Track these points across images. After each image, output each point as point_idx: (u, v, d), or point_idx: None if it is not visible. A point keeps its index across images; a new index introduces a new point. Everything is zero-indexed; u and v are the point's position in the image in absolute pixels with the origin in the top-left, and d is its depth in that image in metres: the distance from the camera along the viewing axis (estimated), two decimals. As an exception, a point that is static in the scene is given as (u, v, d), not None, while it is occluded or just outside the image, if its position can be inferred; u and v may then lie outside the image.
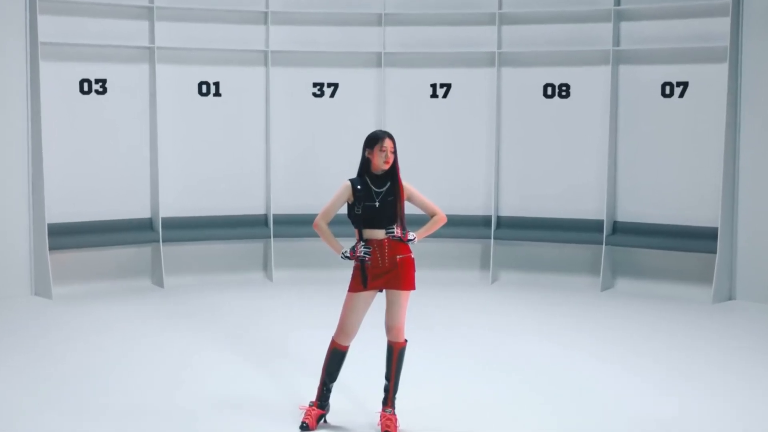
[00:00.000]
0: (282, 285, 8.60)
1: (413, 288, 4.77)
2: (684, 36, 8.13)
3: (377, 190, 4.70)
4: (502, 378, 5.71)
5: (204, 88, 8.65)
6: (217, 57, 8.63)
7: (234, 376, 5.68)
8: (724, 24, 7.85)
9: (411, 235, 4.75)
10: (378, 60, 8.87)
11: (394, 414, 4.77)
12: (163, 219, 8.44)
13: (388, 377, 4.80)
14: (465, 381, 5.64)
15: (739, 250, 7.98)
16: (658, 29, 8.25)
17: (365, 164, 4.74)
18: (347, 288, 4.75)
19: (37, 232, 7.91)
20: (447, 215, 4.92)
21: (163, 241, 8.40)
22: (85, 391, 5.36)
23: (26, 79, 7.82)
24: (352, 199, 4.71)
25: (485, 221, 8.88)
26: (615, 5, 8.33)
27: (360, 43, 8.86)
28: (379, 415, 4.81)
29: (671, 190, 8.32)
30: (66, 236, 8.04)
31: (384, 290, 4.74)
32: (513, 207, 8.88)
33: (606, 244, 8.39)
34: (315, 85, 8.91)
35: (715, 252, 7.88)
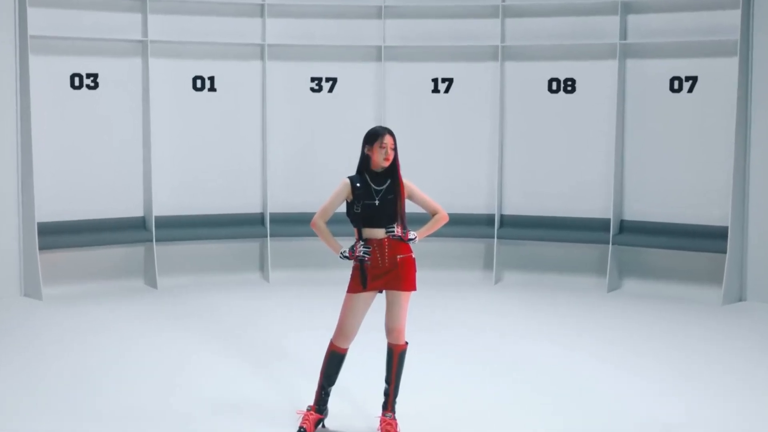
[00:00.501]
0: (279, 286, 8.60)
1: (414, 289, 4.78)
2: (693, 29, 8.14)
3: (377, 188, 4.71)
4: (506, 381, 5.73)
5: (199, 83, 8.66)
6: (212, 51, 8.64)
7: (230, 379, 5.69)
8: (734, 16, 7.86)
9: (412, 235, 4.76)
10: (378, 54, 8.88)
11: (394, 419, 4.78)
12: (156, 218, 8.44)
13: (388, 381, 4.81)
14: (467, 384, 5.65)
15: (750, 249, 7.99)
16: (666, 22, 8.25)
17: (365, 161, 4.74)
18: (346, 289, 4.76)
19: (26, 231, 7.92)
20: (449, 214, 4.93)
21: (156, 241, 8.41)
22: (77, 395, 5.37)
23: (15, 74, 7.82)
24: (351, 197, 4.72)
25: (488, 220, 8.89)
26: (622, -3, 8.36)
27: (359, 36, 8.87)
28: (379, 419, 4.82)
29: (680, 187, 8.32)
30: (56, 235, 8.05)
31: (384, 291, 4.75)
32: (517, 205, 8.89)
33: (612, 244, 8.40)
34: (313, 79, 8.92)
35: (725, 252, 7.89)
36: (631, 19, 8.38)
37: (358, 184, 4.70)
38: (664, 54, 8.28)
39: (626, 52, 8.41)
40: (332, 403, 4.93)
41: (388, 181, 4.72)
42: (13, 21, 7.77)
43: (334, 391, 4.93)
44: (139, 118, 8.44)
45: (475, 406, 5.26)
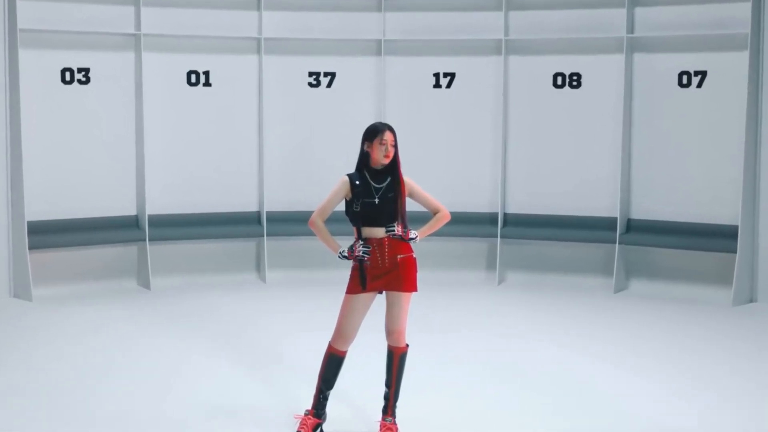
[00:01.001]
0: (276, 286, 8.60)
1: (415, 289, 4.78)
2: (702, 22, 8.13)
3: (377, 185, 4.70)
4: (509, 385, 5.72)
5: (193, 78, 8.66)
6: (207, 44, 8.64)
7: (225, 383, 5.69)
8: (744, 9, 7.85)
9: (412, 234, 4.76)
10: (378, 48, 8.87)
11: (394, 423, 4.79)
12: (149, 216, 8.44)
13: (388, 384, 4.81)
14: (470, 388, 5.64)
15: (761, 249, 7.98)
16: (674, 15, 8.24)
17: (364, 158, 4.74)
18: (345, 290, 4.75)
19: (15, 231, 7.91)
20: (451, 212, 4.94)
21: (149, 240, 8.40)
22: (68, 399, 5.36)
23: (4, 69, 7.81)
24: (350, 195, 4.72)
25: (491, 219, 8.89)
26: (629, -10, 8.36)
27: (358, 29, 8.86)
28: (378, 424, 4.82)
29: (688, 185, 8.32)
30: (46, 235, 8.04)
31: (384, 292, 4.75)
32: (520, 204, 8.89)
33: (619, 243, 8.39)
34: (311, 74, 8.92)
35: (735, 251, 7.88)
36: (639, 12, 8.38)
37: (357, 182, 4.69)
38: (673, 48, 8.28)
39: (633, 46, 8.41)
40: (331, 408, 4.92)
41: (389, 179, 4.72)
42: (3, 14, 7.76)
43: (333, 394, 4.93)
44: (132, 113, 8.44)
45: (478, 410, 5.26)
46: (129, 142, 8.46)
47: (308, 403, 4.93)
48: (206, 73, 8.69)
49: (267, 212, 8.82)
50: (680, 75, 8.26)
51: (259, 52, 8.74)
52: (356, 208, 4.70)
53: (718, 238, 8.05)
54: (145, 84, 8.36)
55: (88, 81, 8.26)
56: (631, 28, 8.37)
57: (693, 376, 5.91)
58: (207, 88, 8.70)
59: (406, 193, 4.77)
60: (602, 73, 8.53)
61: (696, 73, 8.20)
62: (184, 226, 8.61)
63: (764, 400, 5.50)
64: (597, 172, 8.64)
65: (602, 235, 8.48)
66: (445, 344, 6.60)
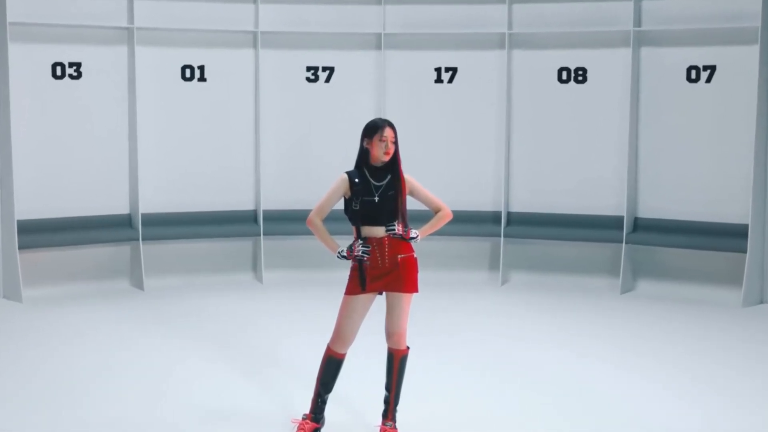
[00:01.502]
0: (273, 287, 8.60)
1: (416, 290, 4.78)
2: (711, 15, 8.12)
3: (376, 183, 4.70)
4: (512, 388, 5.72)
5: (188, 73, 8.65)
6: (201, 38, 8.63)
7: (221, 386, 5.68)
8: (755, 2, 7.84)
9: (413, 233, 4.76)
10: (377, 42, 8.87)
11: (394, 428, 4.79)
12: (143, 215, 8.44)
13: (388, 388, 4.81)
14: (472, 392, 5.64)
15: (772, 249, 8.00)
16: (683, 8, 8.23)
17: (363, 155, 4.74)
18: (344, 290, 4.75)
19: (5, 230, 7.91)
20: (453, 211, 4.93)
21: (142, 240, 8.40)
22: (59, 403, 5.36)
23: (-6, 63, 7.83)
24: (349, 193, 4.71)
25: (494, 218, 8.89)
26: (636, -18, 8.35)
27: (358, 23, 8.86)
28: (378, 429, 4.82)
29: (697, 183, 8.31)
30: (37, 234, 8.04)
31: (384, 293, 4.75)
32: (524, 202, 8.89)
33: (626, 243, 8.39)
34: (309, 69, 8.91)
35: (745, 251, 7.88)
36: (646, 5, 8.37)
37: (356, 180, 4.69)
38: (681, 42, 8.27)
39: (641, 39, 8.40)
40: (329, 412, 4.91)
41: (389, 177, 4.71)
42: (-8, 7, 7.76)
43: (332, 398, 4.92)
44: (125, 109, 8.43)
45: (480, 414, 5.26)
46: (122, 138, 8.46)
47: (306, 407, 4.92)
48: (201, 68, 8.68)
49: (264, 211, 8.82)
50: (689, 70, 8.25)
51: (255, 46, 8.73)
52: (355, 206, 4.69)
53: (728, 237, 8.05)
54: (138, 79, 8.35)
55: (79, 76, 8.26)
56: (638, 21, 8.36)
57: (701, 379, 5.91)
58: (202, 83, 8.70)
59: (407, 191, 4.76)
60: (608, 67, 8.52)
61: (705, 68, 8.20)
62: (179, 225, 8.61)
63: (775, 403, 5.51)
64: (603, 169, 8.63)
65: (608, 235, 8.47)
66: (447, 347, 6.60)
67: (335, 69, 8.92)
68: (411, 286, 4.74)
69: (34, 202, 8.11)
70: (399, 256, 4.71)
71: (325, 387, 4.81)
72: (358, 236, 4.72)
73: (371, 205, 4.68)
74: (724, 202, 8.19)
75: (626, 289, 8.43)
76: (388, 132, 4.67)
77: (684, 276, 8.32)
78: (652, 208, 8.52)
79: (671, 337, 6.96)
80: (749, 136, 7.90)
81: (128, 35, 8.34)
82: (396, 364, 4.77)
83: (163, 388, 5.65)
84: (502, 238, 8.77)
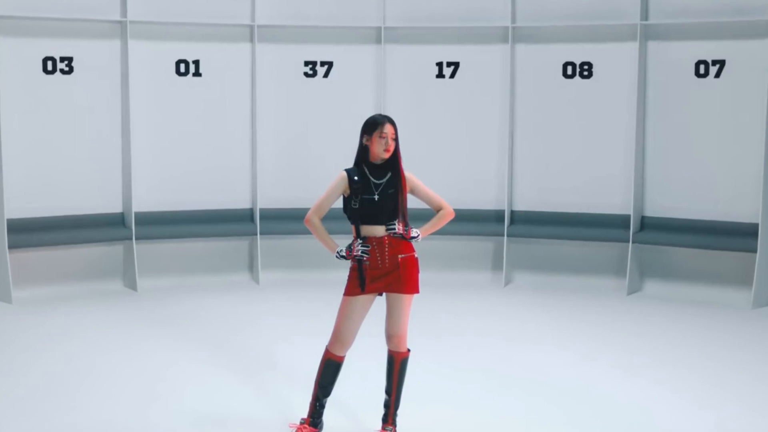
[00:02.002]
0: (270, 288, 8.60)
1: (417, 291, 4.77)
2: (721, 8, 8.11)
3: (376, 181, 4.69)
4: (516, 392, 5.71)
5: (182, 68, 8.64)
6: (197, 32, 8.62)
7: (215, 390, 5.67)
8: (765, -5, 7.85)
9: (414, 232, 4.75)
10: (377, 36, 8.86)
11: (395, 433, 4.78)
12: (136, 214, 8.43)
13: (388, 391, 4.80)
14: (474, 396, 5.63)
15: (783, 248, 7.99)
16: (691, 1, 8.22)
17: (363, 153, 4.73)
18: (343, 291, 4.74)
19: (-5, 229, 7.91)
20: (455, 210, 4.92)
21: (136, 239, 8.39)
22: (49, 407, 5.35)
23: (-17, 57, 7.83)
24: (348, 191, 4.70)
25: (498, 216, 8.88)
26: (643, -26, 8.34)
27: (357, 16, 8.85)
28: (378, 434, 4.81)
29: (706, 181, 8.31)
30: (27, 233, 8.03)
31: (384, 294, 4.74)
32: (528, 200, 8.88)
33: (633, 243, 8.38)
34: (307, 63, 8.90)
35: (755, 251, 7.88)
36: (654, -3, 8.38)
37: (356, 178, 4.68)
38: (689, 36, 8.26)
39: (648, 33, 8.39)
40: (328, 416, 4.91)
41: (389, 174, 4.71)
42: (-20, 0, 7.76)
43: (330, 402, 4.92)
44: (118, 105, 8.42)
45: (483, 419, 5.25)
46: (114, 135, 8.45)
47: (304, 412, 4.92)
48: (196, 63, 8.67)
49: (260, 209, 8.81)
50: (697, 64, 8.24)
51: (252, 40, 8.73)
52: (355, 205, 4.68)
53: (738, 236, 8.04)
54: (132, 74, 8.34)
55: (71, 71, 8.25)
56: (645, 14, 8.35)
57: (711, 383, 5.90)
58: (197, 79, 8.69)
59: (408, 189, 4.76)
60: (615, 62, 8.51)
61: (714, 63, 8.19)
62: (173, 224, 8.60)
63: (786, 408, 5.50)
64: (609, 167, 8.62)
65: (615, 234, 8.47)
66: (449, 349, 6.59)
67: (334, 64, 8.91)
68: (412, 287, 4.73)
69: (24, 201, 8.10)
70: (399, 256, 4.70)
71: (323, 391, 4.80)
72: (358, 235, 4.71)
73: (371, 204, 4.67)
74: (733, 200, 8.19)
75: (633, 289, 8.42)
76: (388, 128, 4.66)
77: (692, 276, 8.31)
78: (659, 207, 8.51)
79: (679, 340, 6.95)
80: (760, 132, 7.90)
81: (121, 29, 8.33)
82: (396, 367, 4.77)
83: (156, 392, 5.65)
84: (505, 237, 8.76)
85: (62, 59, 8.21)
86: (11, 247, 7.87)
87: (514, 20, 8.68)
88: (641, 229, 8.51)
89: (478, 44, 8.84)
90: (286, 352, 6.46)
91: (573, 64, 8.66)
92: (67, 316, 7.45)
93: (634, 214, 8.44)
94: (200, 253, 8.78)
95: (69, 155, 8.32)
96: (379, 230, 4.70)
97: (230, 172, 8.85)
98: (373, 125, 4.69)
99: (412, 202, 4.79)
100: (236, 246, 8.90)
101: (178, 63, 8.62)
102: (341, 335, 4.72)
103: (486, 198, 8.94)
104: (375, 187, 4.68)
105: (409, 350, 4.82)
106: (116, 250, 8.49)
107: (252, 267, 8.90)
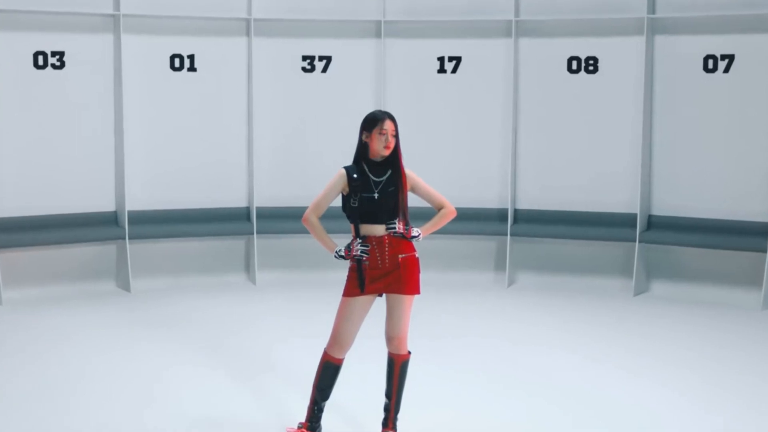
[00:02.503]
0: (267, 288, 8.60)
1: (418, 292, 4.77)
2: (730, 2, 8.11)
3: (376, 179, 4.69)
4: (520, 395, 5.71)
5: (177, 62, 8.65)
6: (191, 26, 8.62)
7: (211, 393, 5.68)
8: (776, -12, 7.86)
9: (415, 231, 4.75)
10: (377, 29, 8.86)
11: (395, 437, 4.79)
12: (129, 213, 8.43)
13: (388, 395, 4.80)
14: (476, 399, 5.64)
15: (793, 248, 8.00)
16: (699, -6, 8.25)
17: (362, 150, 4.73)
18: (342, 292, 4.74)
19: (-16, 228, 7.93)
20: (457, 208, 4.93)
21: (129, 238, 8.40)
22: (41, 411, 5.35)
23: (-28, 52, 7.83)
24: (347, 189, 4.71)
25: (500, 215, 8.89)
26: (650, -34, 8.34)
27: (356, 9, 8.85)
28: (378, 438, 4.82)
29: (715, 179, 8.31)
30: (18, 233, 8.04)
31: (384, 295, 4.74)
32: (532, 199, 8.89)
33: (640, 242, 8.39)
34: (305, 58, 8.90)
35: (765, 251, 7.89)
36: (661, -10, 8.38)
37: (355, 175, 4.68)
38: (698, 30, 8.27)
39: (655, 27, 8.39)
40: (326, 420, 4.91)
41: (389, 172, 4.71)
42: (-31, -7, 7.76)
43: (329, 406, 4.92)
44: (111, 101, 8.43)
45: (486, 423, 5.25)
46: (107, 131, 8.45)
47: (302, 416, 4.93)
48: (191, 57, 8.68)
49: (257, 208, 8.82)
50: (706, 59, 8.24)
51: (248, 34, 8.73)
52: (354, 203, 4.69)
53: (747, 235, 8.05)
54: (125, 69, 8.35)
55: (62, 65, 8.25)
56: (652, 8, 8.35)
57: (719, 385, 5.90)
58: (192, 74, 8.69)
59: (408, 187, 4.76)
60: (621, 57, 8.51)
61: (723, 57, 8.19)
62: (167, 223, 8.61)
63: (797, 411, 5.51)
64: (615, 164, 8.63)
65: (621, 233, 8.47)
66: (450, 351, 6.60)
67: (332, 58, 8.91)
68: (412, 288, 4.73)
69: (14, 200, 8.11)
70: (400, 256, 4.70)
71: (321, 394, 4.80)
72: (357, 235, 4.71)
73: (370, 202, 4.67)
74: (743, 198, 8.19)
75: (640, 290, 8.43)
76: (388, 125, 4.67)
77: (701, 277, 8.32)
78: (667, 205, 8.52)
79: (687, 341, 6.95)
80: (770, 129, 7.92)
81: (114, 22, 8.33)
82: (396, 369, 4.77)
83: (151, 395, 5.65)
84: (508, 236, 8.76)
85: (53, 54, 8.21)
86: (1, 246, 7.88)
87: (517, 13, 8.69)
88: (648, 228, 8.51)
89: (480, 38, 8.84)
90: (284, 354, 6.46)
91: (578, 59, 8.66)
92: (58, 318, 7.45)
93: (641, 213, 8.44)
94: (195, 253, 8.78)
95: (60, 152, 8.32)
96: (378, 229, 4.70)
97: (226, 169, 8.86)
98: (372, 121, 4.69)
99: (413, 201, 4.79)
100: (232, 245, 8.90)
101: (172, 58, 8.63)
102: (340, 337, 4.73)
103: (488, 196, 8.95)
104: (375, 185, 4.69)
105: (409, 352, 4.82)
106: (109, 249, 8.50)
107: (248, 267, 8.90)
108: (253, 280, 8.80)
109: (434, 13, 8.83)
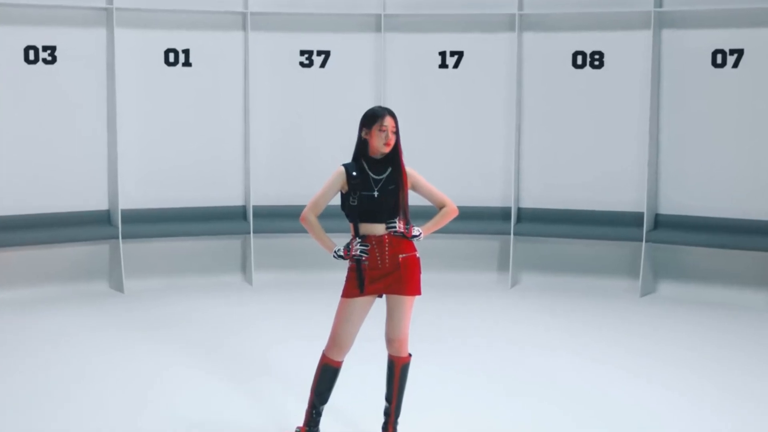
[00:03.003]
0: (264, 289, 8.61)
1: (418, 293, 4.78)
2: (739, -5, 8.14)
3: (376, 177, 4.70)
4: (524, 398, 5.72)
5: (171, 57, 8.65)
6: (186, 20, 8.62)
7: (207, 396, 5.69)
8: (786, -19, 7.86)
9: (416, 231, 4.76)
10: (377, 23, 8.86)
11: (396, 441, 4.80)
12: (123, 211, 8.44)
13: (388, 398, 4.81)
14: (479, 402, 5.64)
15: (804, 248, 8.00)
16: (708, -13, 8.26)
17: (362, 147, 4.74)
18: (340, 293, 4.75)
19: (-26, 227, 7.93)
20: (459, 207, 4.94)
21: (122, 238, 8.40)
22: (35, 414, 5.36)
23: (-39, 47, 7.84)
24: (346, 187, 4.71)
25: (504, 214, 8.89)
26: (657, -41, 8.35)
27: (356, 3, 8.85)
28: (378, 442, 4.83)
29: (723, 177, 8.32)
30: (8, 232, 8.04)
31: (384, 295, 4.75)
32: (536, 197, 8.89)
33: (646, 242, 8.39)
34: (303, 53, 8.91)
35: (774, 250, 7.91)
36: (668, -17, 8.39)
37: (354, 173, 4.69)
38: (706, 23, 8.27)
39: (662, 21, 8.40)
40: (324, 424, 4.92)
41: (389, 170, 4.72)
42: (-42, -14, 7.77)
43: (327, 410, 4.93)
44: (104, 97, 8.43)
45: (488, 426, 5.26)
46: (100, 128, 8.46)
47: (299, 420, 4.93)
48: (186, 52, 8.68)
49: (253, 207, 8.82)
50: (714, 54, 8.25)
51: (244, 28, 8.73)
52: (353, 201, 4.69)
53: (757, 235, 8.05)
54: (118, 64, 8.35)
55: (54, 60, 8.25)
56: (659, 1, 8.36)
57: (727, 388, 5.91)
58: (187, 69, 8.69)
59: (409, 185, 4.76)
60: (627, 51, 8.52)
61: (732, 52, 8.19)
62: (161, 222, 8.61)
63: (807, 415, 5.51)
64: (621, 162, 8.63)
65: (627, 232, 8.48)
66: (452, 353, 6.60)
67: (331, 53, 8.91)
68: (413, 288, 4.74)
69: (4, 198, 8.11)
70: (400, 256, 4.71)
71: (320, 397, 4.81)
72: (356, 234, 4.72)
73: (370, 201, 4.68)
74: (752, 197, 8.20)
75: (646, 291, 8.44)
76: (388, 121, 4.67)
77: (709, 277, 8.32)
78: (674, 204, 8.52)
79: (694, 343, 6.96)
80: (780, 125, 7.92)
81: (107, 16, 8.34)
82: (397, 372, 4.78)
83: (146, 398, 5.65)
84: (512, 236, 8.77)
85: (45, 48, 8.21)
86: (-9, 246, 7.90)
87: (521, 7, 8.69)
88: (655, 227, 8.52)
89: (483, 32, 8.85)
90: (281, 356, 6.47)
91: (583, 54, 8.66)
92: (50, 319, 7.45)
93: (648, 212, 8.44)
94: (190, 253, 8.78)
95: (51, 149, 8.32)
96: (378, 228, 4.71)
97: (222, 167, 8.86)
98: (372, 118, 4.70)
99: (414, 199, 4.80)
100: (228, 245, 8.91)
101: (167, 52, 8.63)
102: (339, 339, 4.73)
103: (491, 194, 8.95)
104: (374, 183, 4.69)
105: (410, 355, 4.83)
106: (102, 249, 8.50)
107: (245, 267, 8.91)
108: (249, 281, 8.80)
109: (436, 6, 8.83)
